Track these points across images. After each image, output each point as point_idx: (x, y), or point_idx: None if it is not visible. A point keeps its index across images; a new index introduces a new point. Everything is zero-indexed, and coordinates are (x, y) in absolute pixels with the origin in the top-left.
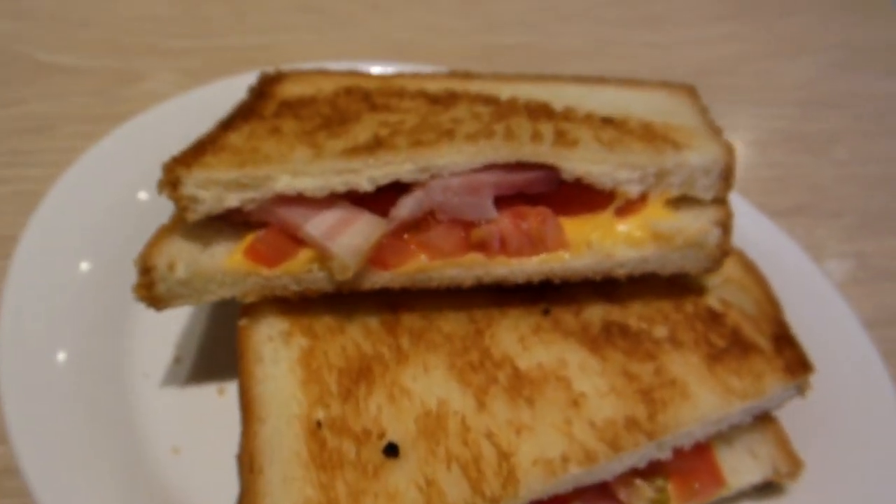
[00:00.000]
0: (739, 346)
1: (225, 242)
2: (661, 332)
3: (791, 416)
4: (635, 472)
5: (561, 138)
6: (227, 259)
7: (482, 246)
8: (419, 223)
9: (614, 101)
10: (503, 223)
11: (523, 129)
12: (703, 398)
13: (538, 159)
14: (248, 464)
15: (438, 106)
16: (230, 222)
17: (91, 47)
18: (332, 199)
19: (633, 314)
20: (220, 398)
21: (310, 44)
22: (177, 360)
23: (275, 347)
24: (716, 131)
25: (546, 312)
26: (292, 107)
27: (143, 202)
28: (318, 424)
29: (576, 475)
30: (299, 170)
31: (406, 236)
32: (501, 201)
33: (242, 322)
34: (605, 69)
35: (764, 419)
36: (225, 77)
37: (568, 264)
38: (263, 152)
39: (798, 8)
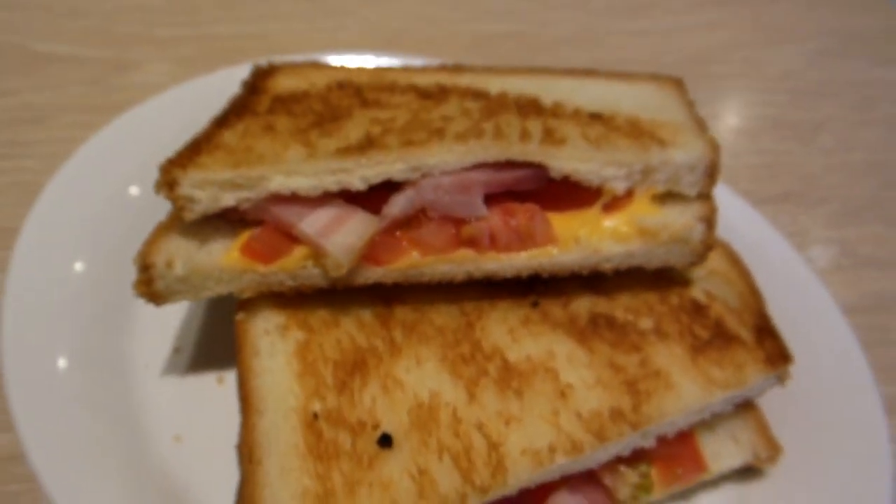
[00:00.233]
0: (722, 337)
1: (222, 239)
2: (646, 323)
3: (771, 401)
4: (620, 459)
5: (549, 136)
6: (223, 256)
7: (472, 242)
8: (411, 220)
9: (603, 95)
10: (493, 220)
11: (512, 127)
12: (686, 389)
13: (527, 158)
14: (247, 455)
15: (429, 101)
16: (226, 219)
17: (84, 36)
18: (326, 198)
19: (620, 306)
20: (220, 387)
21: (301, 32)
22: (176, 350)
23: (271, 341)
24: (702, 127)
25: (535, 305)
26: (285, 102)
27: (141, 195)
28: (315, 416)
29: (562, 465)
30: (293, 169)
31: (398, 233)
32: (491, 197)
33: (239, 316)
34: (594, 58)
35: (745, 405)
36: (218, 66)
37: (556, 259)
38: (258, 151)
39: None
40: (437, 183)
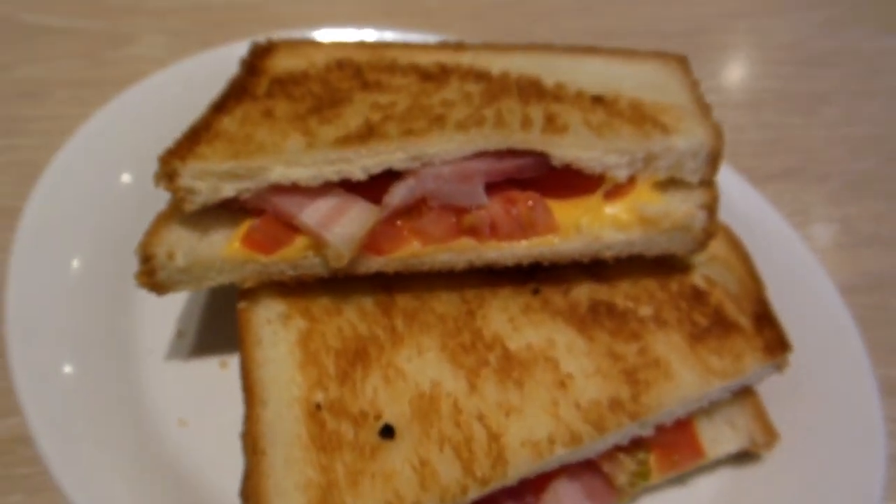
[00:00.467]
0: (721, 325)
1: (222, 229)
2: (646, 311)
3: (768, 385)
4: (619, 447)
5: (550, 124)
6: (225, 247)
7: (473, 231)
8: (411, 209)
9: (605, 73)
10: (494, 209)
11: (513, 114)
12: (684, 378)
13: (528, 146)
14: (251, 445)
15: (429, 84)
16: (227, 208)
17: (76, 7)
18: (326, 187)
19: (620, 293)
20: (223, 371)
21: (298, 3)
22: (179, 334)
23: (273, 330)
24: (705, 111)
25: (536, 292)
26: (284, 84)
27: (141, 179)
28: (318, 407)
29: (561, 456)
30: (293, 160)
31: (399, 223)
32: (492, 185)
33: (241, 305)
34: (597, 27)
35: (743, 391)
36: (212, 38)
37: (557, 248)
38: (257, 140)
39: None
40: (438, 172)
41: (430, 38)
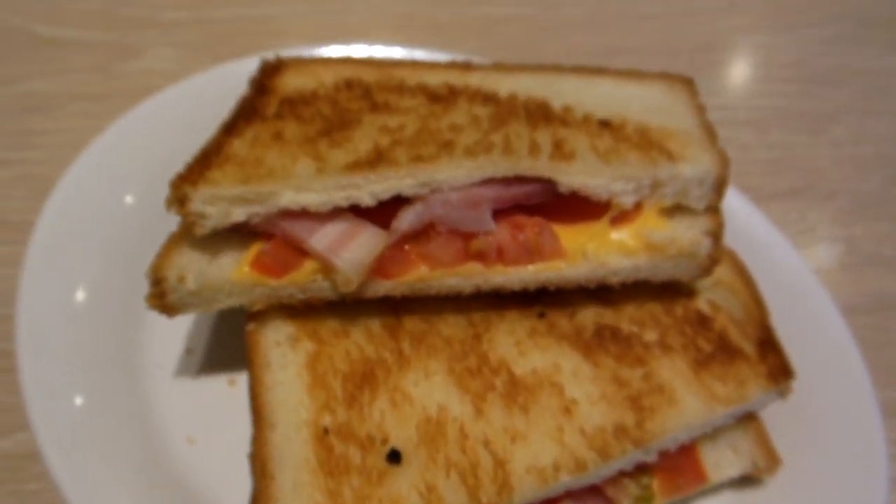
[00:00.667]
0: (725, 351)
1: (232, 252)
2: (651, 335)
3: (770, 409)
4: (622, 472)
5: (558, 150)
6: (234, 270)
7: (480, 256)
8: (419, 234)
9: (613, 96)
10: (501, 234)
11: (521, 140)
12: (688, 405)
13: (536, 173)
14: (259, 469)
15: (438, 105)
16: (236, 230)
17: (87, 19)
18: (335, 212)
19: (625, 317)
20: (231, 389)
21: (306, 15)
22: (188, 351)
23: (282, 352)
24: (711, 136)
25: (541, 315)
26: (293, 105)
27: (151, 197)
28: (325, 431)
29: (566, 482)
30: (303, 185)
31: (407, 247)
32: (499, 209)
33: (250, 327)
34: (606, 43)
35: (745, 416)
36: (222, 52)
37: (563, 273)
38: (267, 164)
39: None
40: (446, 198)
41: (439, 55)
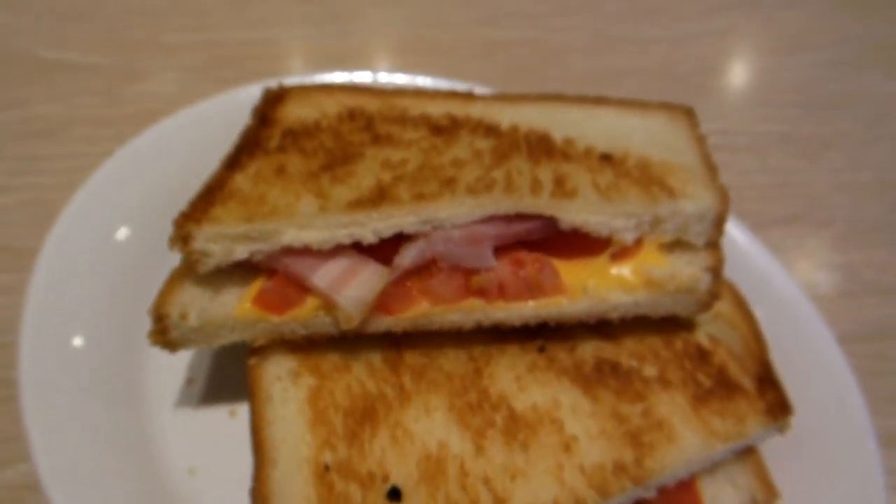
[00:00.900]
0: (725, 386)
1: (234, 288)
2: (650, 370)
3: (768, 441)
4: None
5: (559, 188)
6: (236, 307)
7: (482, 292)
8: (421, 270)
9: (614, 127)
10: (502, 271)
11: (523, 176)
12: (687, 441)
13: (537, 210)
14: None
15: (440, 138)
16: (238, 266)
17: (91, 42)
18: (338, 249)
19: (625, 351)
20: (232, 420)
21: (309, 38)
22: (189, 381)
23: (284, 387)
24: (712, 171)
25: (541, 349)
26: (296, 137)
27: (152, 229)
28: (327, 468)
29: None
30: (305, 223)
31: (408, 283)
32: (500, 245)
33: (252, 361)
34: (608, 66)
35: (744, 449)
36: (226, 75)
37: (564, 309)
38: (270, 202)
39: (801, 0)
40: (448, 235)
41: (441, 82)
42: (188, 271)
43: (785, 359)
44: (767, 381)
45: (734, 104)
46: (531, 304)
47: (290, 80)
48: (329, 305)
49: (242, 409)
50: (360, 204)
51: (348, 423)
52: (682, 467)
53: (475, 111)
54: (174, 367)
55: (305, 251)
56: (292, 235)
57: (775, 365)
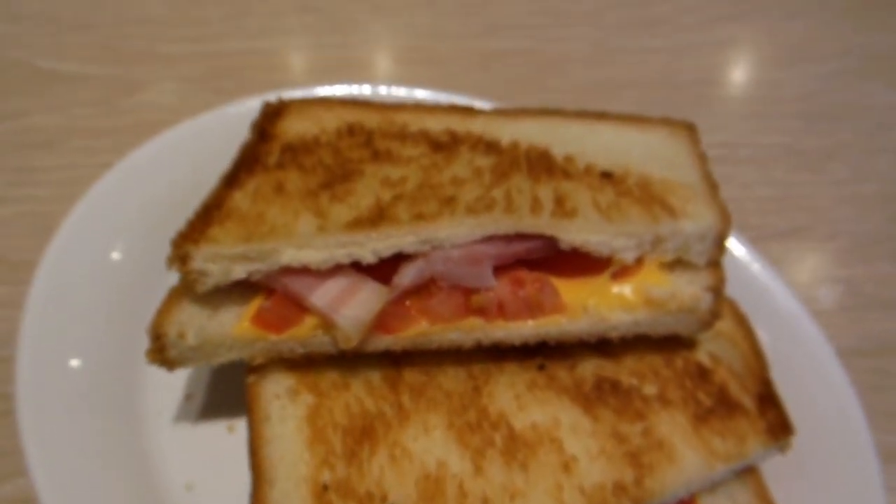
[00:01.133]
0: (725, 405)
1: (232, 307)
2: (651, 389)
3: (769, 459)
4: None
5: (560, 207)
6: (235, 326)
7: (481, 311)
8: (420, 289)
9: (615, 143)
10: (502, 290)
11: (523, 195)
12: (688, 461)
13: (537, 230)
14: None
15: (440, 155)
16: (237, 284)
17: (89, 53)
18: (337, 268)
19: (625, 369)
20: (231, 435)
21: (308, 48)
22: (187, 397)
23: (282, 405)
24: (713, 189)
25: (541, 367)
26: (295, 153)
27: (150, 245)
28: (325, 487)
29: None
30: (304, 243)
31: (407, 302)
32: (500, 265)
33: (250, 379)
34: (608, 77)
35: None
36: (224, 86)
37: (564, 328)
38: (269, 221)
39: (804, 11)
40: (448, 255)
41: (441, 95)
42: (186, 290)
43: (785, 373)
44: (768, 401)
45: (735, 115)
46: (531, 323)
47: (290, 94)
48: (328, 325)
49: (241, 425)
50: (359, 224)
51: (347, 442)
52: (683, 488)
53: (475, 126)
54: (172, 383)
55: (304, 270)
56: (291, 255)
57: (776, 382)
